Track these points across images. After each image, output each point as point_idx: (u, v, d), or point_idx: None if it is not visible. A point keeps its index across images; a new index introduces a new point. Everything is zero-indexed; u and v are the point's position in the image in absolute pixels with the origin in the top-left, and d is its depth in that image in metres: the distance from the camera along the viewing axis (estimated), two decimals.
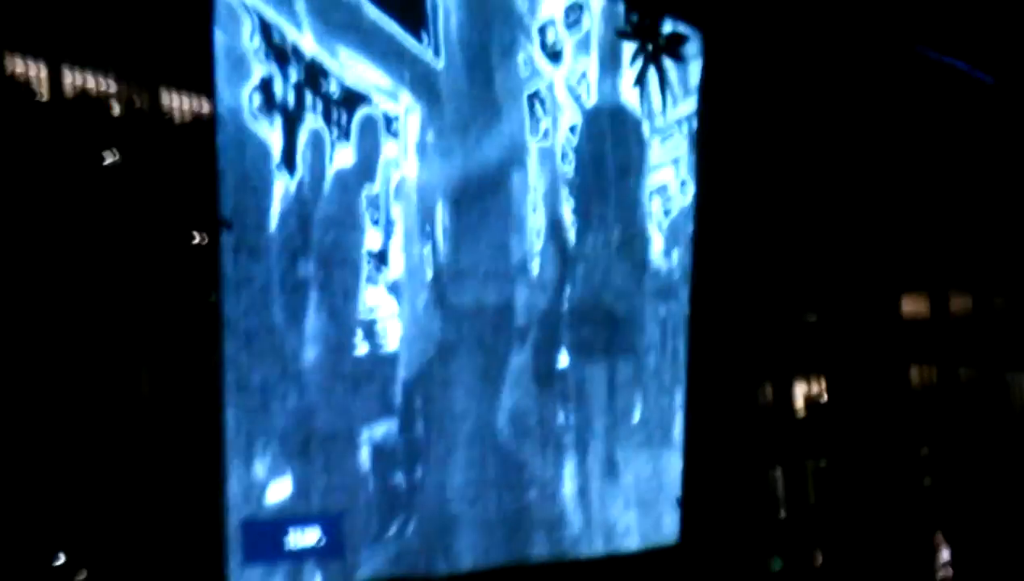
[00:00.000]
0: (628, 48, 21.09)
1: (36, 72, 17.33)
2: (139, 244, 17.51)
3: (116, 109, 18.09)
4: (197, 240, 17.78)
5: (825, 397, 29.72)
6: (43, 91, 17.45)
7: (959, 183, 30.48)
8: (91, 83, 17.90)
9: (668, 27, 21.30)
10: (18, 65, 17.22)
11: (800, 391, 29.86)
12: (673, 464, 22.30)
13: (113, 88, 18.03)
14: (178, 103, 18.37)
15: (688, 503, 22.61)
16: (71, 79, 17.74)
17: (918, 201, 29.98)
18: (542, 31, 20.25)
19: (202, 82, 16.93)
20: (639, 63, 20.41)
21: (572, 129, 20.67)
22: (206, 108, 17.43)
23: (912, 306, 32.00)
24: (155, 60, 17.99)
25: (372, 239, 18.04)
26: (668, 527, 22.22)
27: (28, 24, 16.98)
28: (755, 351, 26.71)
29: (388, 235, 18.08)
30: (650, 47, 20.08)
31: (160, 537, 16.76)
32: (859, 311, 29.31)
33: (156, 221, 17.69)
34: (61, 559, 16.45)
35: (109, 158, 17.62)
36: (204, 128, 17.29)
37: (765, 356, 27.43)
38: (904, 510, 29.36)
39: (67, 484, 16.50)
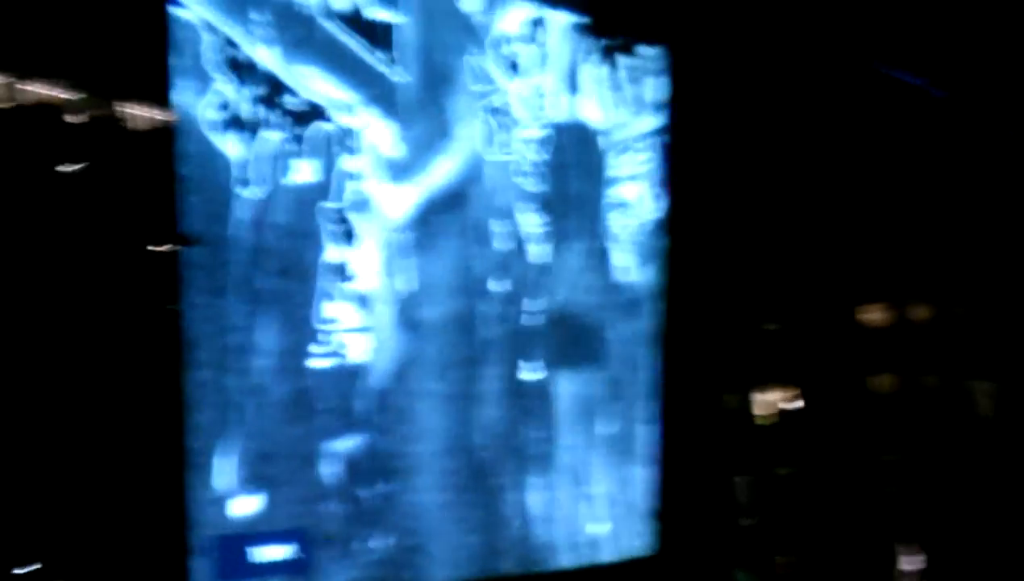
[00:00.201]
0: (589, 59, 21.05)
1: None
2: (99, 253, 17.37)
3: (75, 118, 17.99)
4: (158, 249, 17.64)
5: (789, 405, 29.80)
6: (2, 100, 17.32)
7: (918, 195, 30.72)
8: (50, 92, 17.80)
9: (631, 39, 21.28)
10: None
11: (763, 400, 29.94)
12: (640, 476, 22.23)
13: (72, 97, 17.93)
14: (137, 112, 18.27)
15: (663, 515, 22.58)
16: (31, 88, 17.63)
17: (878, 212, 30.19)
18: (497, 44, 20.20)
19: (160, 93, 16.87)
20: (601, 71, 20.39)
21: (530, 142, 20.60)
22: (165, 117, 17.33)
23: (873, 315, 32.15)
24: (113, 70, 17.86)
25: (332, 252, 17.93)
26: (638, 539, 22.13)
27: None
28: (722, 361, 26.74)
29: (349, 248, 17.96)
30: (613, 55, 20.07)
31: (125, 548, 16.62)
32: (822, 318, 29.42)
33: (116, 231, 17.55)
34: (33, 568, 16.34)
35: (68, 167, 17.54)
36: (164, 137, 17.18)
37: (730, 365, 27.47)
38: (868, 517, 29.42)
39: (32, 493, 16.34)
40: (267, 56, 17.17)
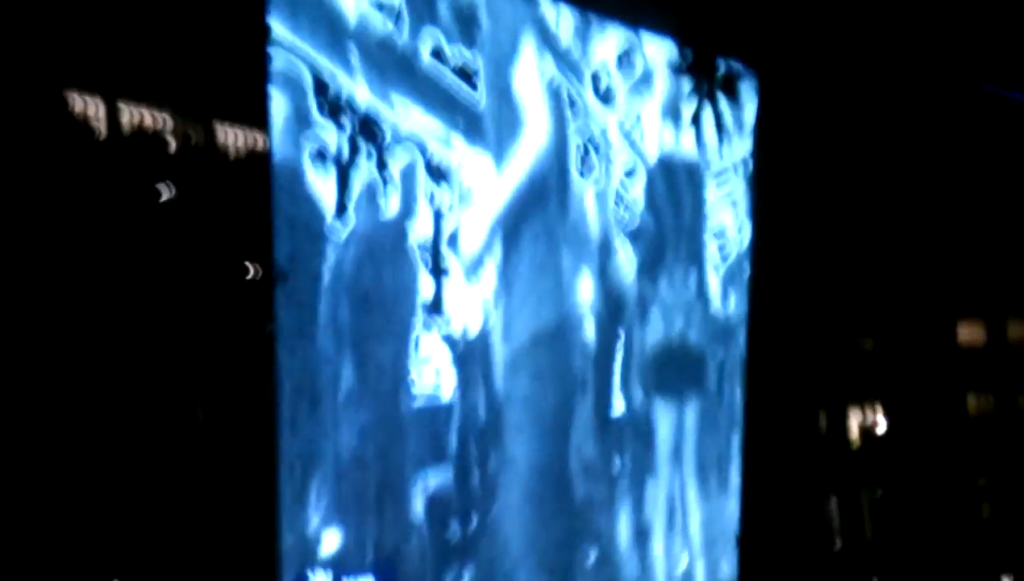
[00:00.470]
0: (683, 89, 20.71)
1: (94, 109, 17.33)
2: (195, 278, 17.40)
3: (172, 145, 18.04)
4: (252, 275, 17.62)
5: (881, 426, 29.40)
6: (101, 127, 17.40)
7: (1015, 212, 30.14)
8: (148, 119, 17.86)
9: (723, 68, 20.89)
10: (76, 102, 17.20)
11: (855, 420, 29.54)
12: (731, 507, 21.90)
13: (169, 124, 17.98)
14: (234, 139, 18.29)
15: (746, 542, 22.22)
16: (128, 116, 17.70)
17: (975, 229, 29.66)
18: (595, 76, 19.95)
19: (258, 120, 16.82)
20: (694, 102, 19.98)
21: (628, 173, 20.33)
22: (261, 144, 17.31)
23: (968, 333, 31.61)
24: (211, 97, 17.90)
25: (426, 287, 17.73)
26: (727, 570, 21.78)
27: (85, 60, 16.94)
28: (811, 380, 26.44)
29: (441, 283, 17.76)
30: (705, 85, 19.64)
31: (217, 575, 16.65)
32: (915, 338, 28.95)
33: (212, 256, 17.57)
34: None
35: (166, 193, 17.58)
36: (260, 164, 17.12)
37: (820, 385, 27.15)
38: (962, 541, 28.95)
39: (124, 519, 16.41)
40: (364, 92, 16.99)
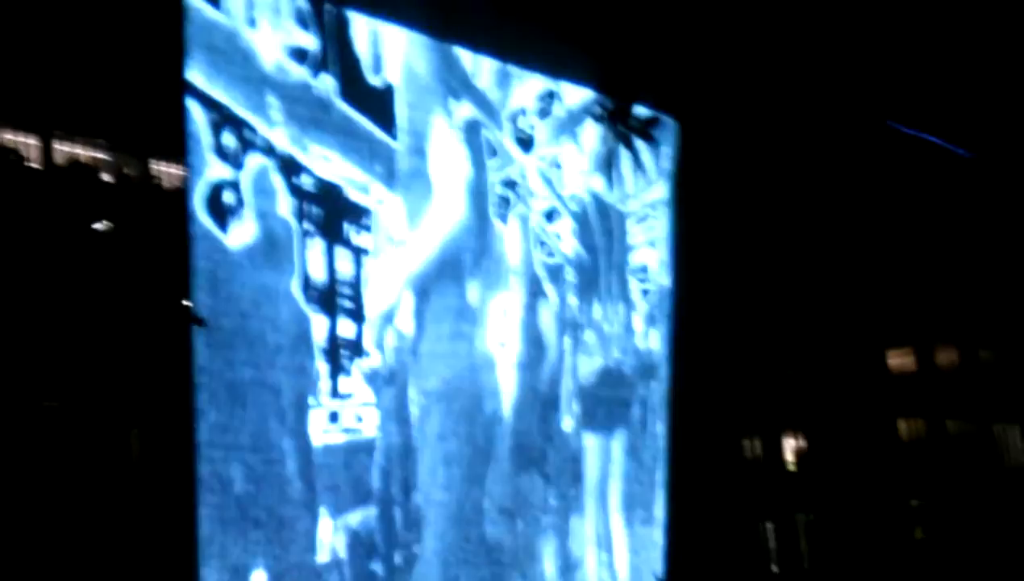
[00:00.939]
0: (602, 132, 20.91)
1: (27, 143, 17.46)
2: (129, 309, 17.41)
3: (106, 177, 18.15)
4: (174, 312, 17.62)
5: (816, 451, 29.54)
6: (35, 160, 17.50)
7: (941, 244, 30.52)
8: (81, 152, 17.98)
9: (641, 114, 21.11)
10: (8, 136, 17.30)
11: (789, 446, 29.72)
12: (655, 540, 21.96)
13: (104, 157, 18.11)
14: (167, 170, 18.41)
15: (675, 576, 22.28)
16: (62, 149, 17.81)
17: (902, 260, 29.98)
18: (513, 119, 20.13)
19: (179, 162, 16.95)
20: (613, 147, 20.19)
21: (547, 214, 20.49)
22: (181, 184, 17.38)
23: (899, 360, 31.89)
24: (141, 133, 18.01)
25: (345, 328, 17.82)
26: None
27: (20, 97, 17.04)
28: (743, 407, 26.60)
29: (360, 324, 17.85)
30: (623, 131, 19.86)
31: None
32: (846, 367, 29.17)
33: (146, 287, 17.59)
34: None
35: (100, 225, 17.67)
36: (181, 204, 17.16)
37: (753, 411, 27.31)
38: (896, 562, 29.11)
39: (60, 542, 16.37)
40: (282, 138, 17.11)
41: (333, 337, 17.75)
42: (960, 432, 33.31)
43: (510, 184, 20.04)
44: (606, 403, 21.48)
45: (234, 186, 16.86)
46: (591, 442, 21.20)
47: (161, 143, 18.16)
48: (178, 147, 17.05)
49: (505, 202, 20.00)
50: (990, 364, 34.31)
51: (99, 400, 17.15)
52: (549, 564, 20.42)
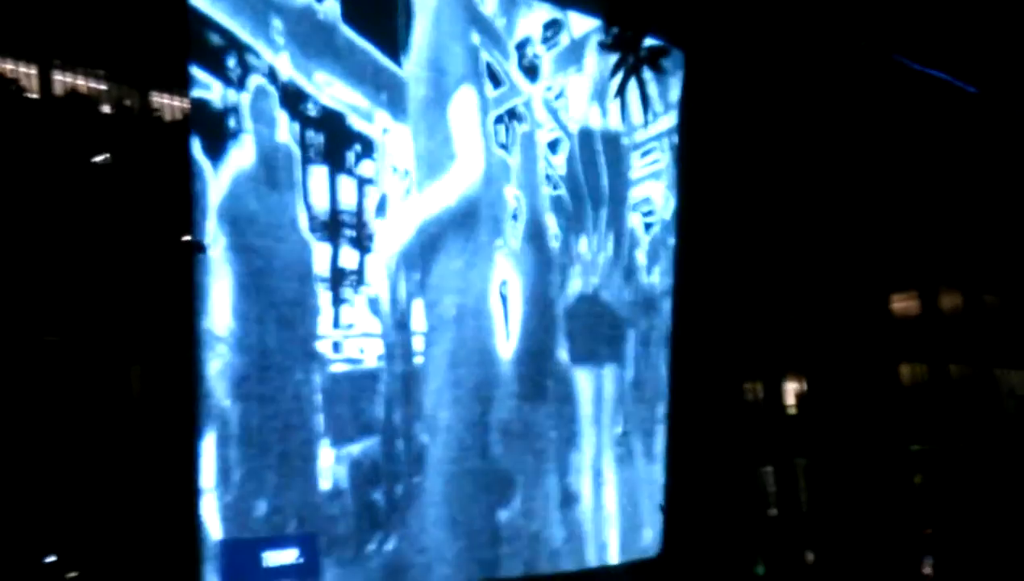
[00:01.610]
0: (607, 63, 20.60)
1: (26, 73, 17.29)
2: (129, 241, 17.29)
3: (106, 108, 17.99)
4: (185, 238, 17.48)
5: (815, 395, 29.52)
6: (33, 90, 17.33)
7: (948, 186, 30.27)
8: (81, 83, 17.83)
9: (648, 45, 20.77)
10: (8, 65, 17.14)
11: (790, 389, 29.69)
12: (655, 476, 21.94)
13: (104, 88, 17.95)
14: (167, 102, 18.23)
15: (671, 512, 22.24)
16: (61, 79, 17.65)
17: (907, 203, 29.77)
18: (520, 48, 19.93)
19: (181, 92, 16.74)
20: (619, 76, 19.83)
21: (551, 145, 20.32)
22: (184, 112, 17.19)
23: (903, 304, 31.80)
24: (143, 64, 17.81)
25: (348, 258, 17.68)
26: (651, 536, 21.84)
27: (18, 27, 16.85)
28: (743, 351, 26.51)
29: (364, 254, 17.69)
30: (631, 60, 19.50)
31: (144, 542, 16.57)
32: (849, 310, 29.07)
33: (147, 219, 17.45)
34: (52, 558, 16.34)
35: (99, 157, 17.56)
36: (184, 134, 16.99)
37: (754, 355, 27.23)
38: (895, 507, 29.15)
39: (58, 486, 16.34)
40: (286, 65, 16.89)
41: (335, 267, 17.61)
42: (963, 377, 33.29)
43: (516, 115, 19.84)
44: (601, 338, 21.40)
45: (235, 111, 16.64)
46: (587, 375, 21.15)
47: (162, 74, 17.96)
48: (180, 78, 16.86)
49: (511, 133, 19.81)
50: (993, 310, 34.24)
51: (100, 334, 17.07)
52: (548, 497, 20.42)
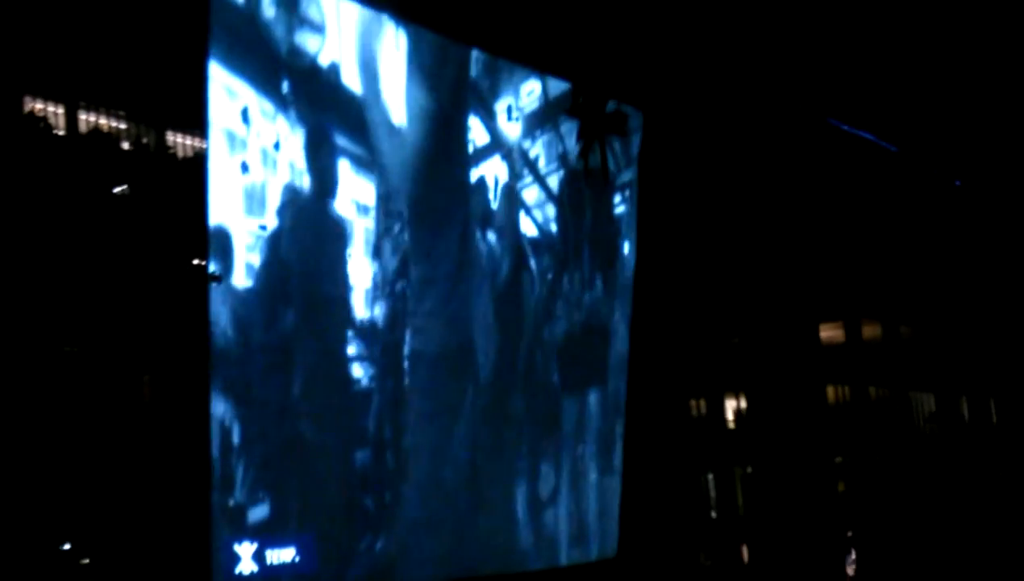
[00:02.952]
0: (577, 124, 20.90)
1: (54, 111, 17.38)
2: (143, 264, 17.35)
3: (125, 145, 18.09)
4: (196, 262, 17.56)
5: (753, 412, 29.82)
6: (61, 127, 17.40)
7: (869, 231, 30.88)
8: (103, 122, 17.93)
9: (611, 106, 21.13)
10: (38, 105, 17.21)
11: (730, 406, 30.01)
12: (614, 486, 22.14)
13: (123, 126, 18.06)
14: (182, 140, 18.35)
15: (627, 517, 22.47)
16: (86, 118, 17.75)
17: (834, 245, 30.32)
18: (505, 105, 20.17)
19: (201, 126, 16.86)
20: (586, 135, 20.19)
21: (530, 189, 20.56)
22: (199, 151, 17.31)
23: (828, 333, 32.24)
24: (161, 103, 17.92)
25: (352, 290, 17.79)
26: (609, 541, 22.02)
27: (47, 67, 16.94)
28: (689, 372, 26.84)
29: (370, 282, 17.80)
30: (596, 122, 19.86)
31: (153, 534, 16.58)
32: (782, 337, 29.45)
33: (160, 244, 17.52)
34: (67, 546, 16.33)
35: (118, 188, 17.66)
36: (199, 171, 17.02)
37: (698, 376, 27.56)
38: (820, 511, 29.48)
39: (74, 478, 16.34)
40: (293, 120, 17.01)
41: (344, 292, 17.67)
42: (880, 398, 33.77)
43: (499, 164, 20.04)
44: (570, 365, 21.55)
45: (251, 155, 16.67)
46: (561, 398, 21.33)
47: (177, 114, 18.14)
48: (193, 119, 16.94)
49: (496, 182, 20.02)
50: (908, 339, 34.79)
51: (115, 346, 17.16)
52: (519, 505, 20.56)
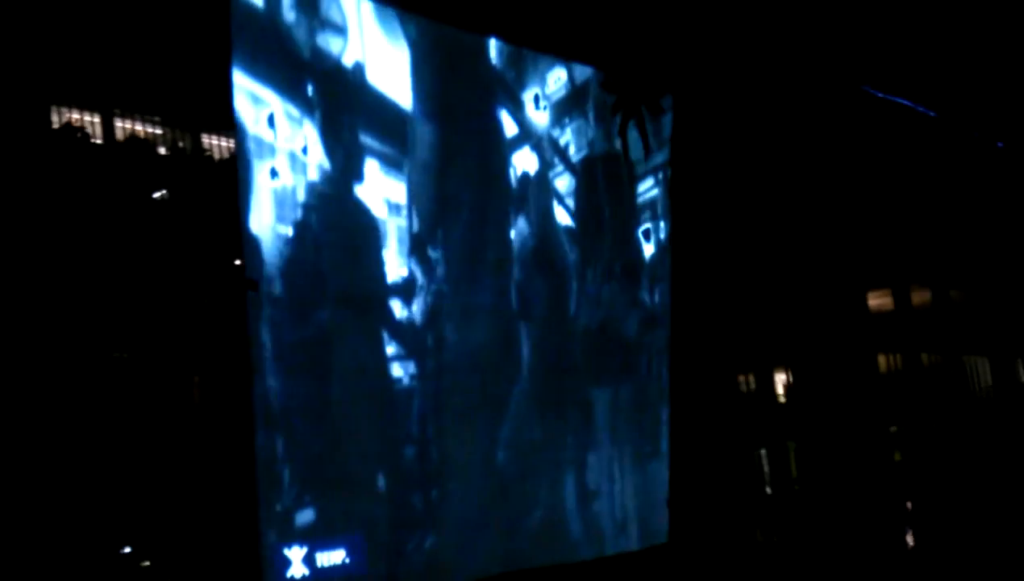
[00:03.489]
0: (608, 106, 20.62)
1: (90, 119, 17.52)
2: (186, 268, 17.45)
3: (162, 150, 18.21)
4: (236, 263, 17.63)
5: (799, 384, 29.60)
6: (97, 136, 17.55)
7: (915, 197, 30.43)
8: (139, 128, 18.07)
9: (643, 88, 20.76)
10: (74, 115, 17.36)
11: (780, 380, 29.77)
12: (662, 472, 21.92)
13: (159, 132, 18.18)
14: (217, 142, 18.41)
15: (676, 501, 22.26)
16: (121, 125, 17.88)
17: (880, 213, 29.91)
18: (532, 94, 19.95)
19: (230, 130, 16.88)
20: (619, 118, 19.88)
21: (563, 177, 20.37)
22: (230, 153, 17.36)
23: (878, 300, 31.88)
24: (194, 106, 17.99)
25: (385, 288, 17.68)
26: (659, 528, 21.82)
27: (83, 81, 17.09)
28: (736, 349, 26.63)
29: (405, 281, 17.69)
30: (629, 104, 19.54)
31: (208, 537, 16.73)
32: (831, 308, 29.12)
33: (200, 247, 17.60)
34: (127, 549, 16.56)
35: (157, 194, 17.78)
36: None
37: (747, 350, 27.35)
38: (877, 482, 29.19)
39: (131, 483, 16.53)
40: (318, 122, 16.93)
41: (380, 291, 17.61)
42: (933, 364, 33.31)
43: (530, 151, 19.86)
44: (612, 353, 21.35)
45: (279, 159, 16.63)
46: (600, 389, 21.13)
47: (209, 117, 18.20)
48: (226, 121, 16.95)
49: (526, 170, 19.85)
50: (960, 303, 34.26)
51: (163, 351, 17.30)
52: (567, 497, 20.40)
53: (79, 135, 17.44)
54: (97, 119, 17.90)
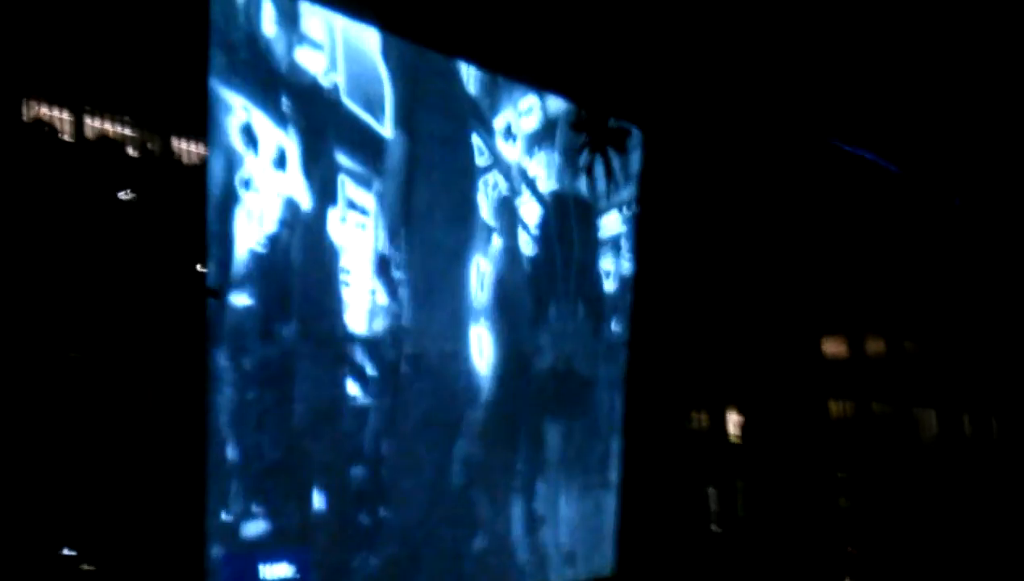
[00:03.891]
0: (577, 139, 20.81)
1: (60, 118, 17.41)
2: (148, 271, 17.35)
3: (131, 152, 18.12)
4: (199, 269, 17.56)
5: (750, 424, 29.72)
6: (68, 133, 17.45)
7: (873, 247, 30.68)
8: (109, 128, 17.96)
9: (612, 124, 20.99)
10: (44, 110, 17.25)
11: (733, 420, 29.88)
12: (610, 504, 22.03)
13: (129, 133, 18.08)
14: (187, 147, 18.36)
15: (625, 533, 22.37)
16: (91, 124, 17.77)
17: (837, 261, 30.16)
18: (502, 125, 20.07)
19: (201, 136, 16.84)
20: (586, 153, 20.09)
21: (529, 206, 20.46)
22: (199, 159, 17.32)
23: (832, 347, 32.05)
24: (166, 110, 17.92)
25: (347, 305, 17.71)
26: (605, 560, 21.89)
27: (54, 77, 16.96)
28: (690, 386, 26.75)
29: (363, 301, 17.79)
30: (596, 138, 19.77)
31: (153, 545, 16.56)
32: (785, 351, 29.32)
33: (164, 251, 17.51)
34: (66, 552, 16.36)
35: (124, 194, 17.68)
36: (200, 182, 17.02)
37: (701, 389, 27.46)
38: (823, 525, 29.32)
39: (78, 484, 16.34)
40: (294, 135, 16.99)
41: (338, 310, 17.66)
42: (883, 414, 33.55)
43: (495, 181, 19.97)
44: (567, 386, 21.44)
45: (250, 171, 16.70)
46: (553, 423, 21.20)
47: (182, 122, 18.15)
48: (198, 127, 16.94)
49: (490, 199, 19.95)
50: (913, 354, 34.54)
51: (118, 353, 17.16)
52: (514, 523, 20.44)
53: (46, 129, 17.36)
54: (67, 116, 17.82)
